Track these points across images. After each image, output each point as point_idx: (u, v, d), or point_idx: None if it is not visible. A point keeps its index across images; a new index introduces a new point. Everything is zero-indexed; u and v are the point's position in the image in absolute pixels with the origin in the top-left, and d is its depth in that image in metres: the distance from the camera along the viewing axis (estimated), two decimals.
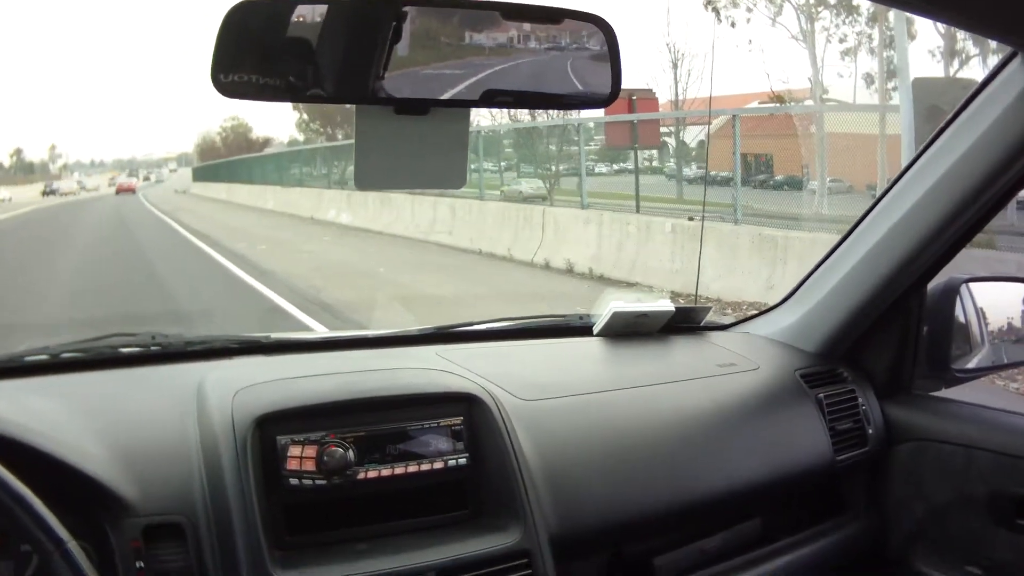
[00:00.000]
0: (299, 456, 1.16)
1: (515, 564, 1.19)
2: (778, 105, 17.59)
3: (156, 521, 1.09)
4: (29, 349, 1.42)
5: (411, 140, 1.01)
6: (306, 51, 0.91)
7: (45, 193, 59.22)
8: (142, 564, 1.06)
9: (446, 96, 0.96)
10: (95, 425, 1.18)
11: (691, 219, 9.11)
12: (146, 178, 77.59)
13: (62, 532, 0.90)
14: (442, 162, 1.04)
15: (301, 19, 0.91)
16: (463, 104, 1.00)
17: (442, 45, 0.96)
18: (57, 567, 0.89)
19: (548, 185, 13.48)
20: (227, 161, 39.48)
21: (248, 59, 0.90)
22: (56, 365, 1.39)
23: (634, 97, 11.89)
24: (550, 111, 11.05)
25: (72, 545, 0.90)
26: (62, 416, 1.20)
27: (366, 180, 1.03)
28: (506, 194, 14.40)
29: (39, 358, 1.40)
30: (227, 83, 0.89)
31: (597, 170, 12.38)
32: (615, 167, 13.25)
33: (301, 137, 47.34)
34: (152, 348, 1.45)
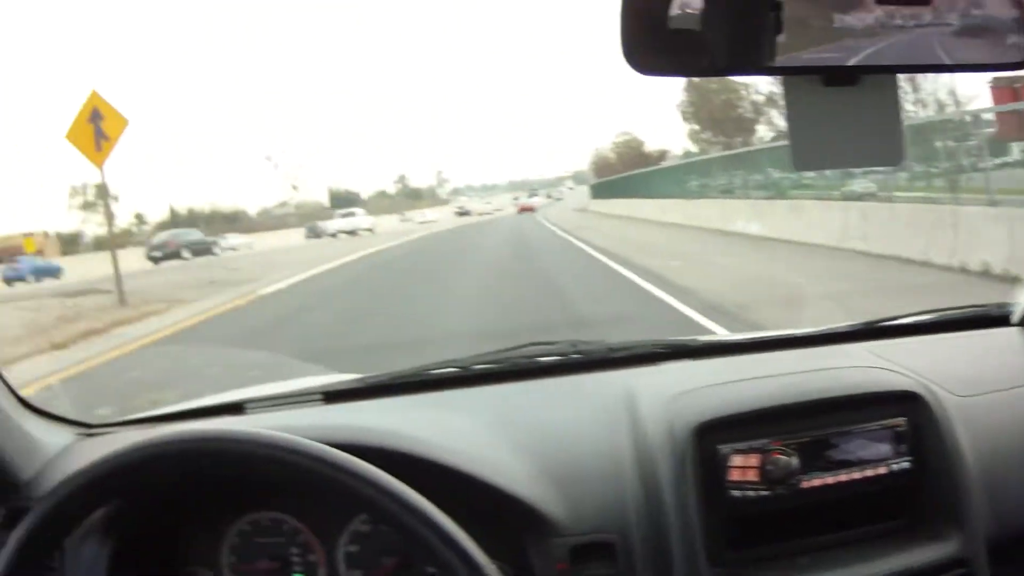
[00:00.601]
0: (742, 466, 1.09)
1: (954, 575, 1.09)
2: None
3: (585, 540, 1.03)
4: (440, 362, 1.39)
5: (843, 114, 0.90)
6: (724, 20, 0.81)
7: (459, 214, 65.40)
8: None
9: (873, 62, 0.84)
10: (516, 439, 1.14)
11: None
12: (548, 196, 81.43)
13: (479, 556, 0.81)
14: (876, 137, 0.94)
15: None
16: (895, 70, 0.89)
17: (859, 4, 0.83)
18: None
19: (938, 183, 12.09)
20: (624, 176, 39.78)
21: (657, 35, 0.82)
22: (470, 378, 1.36)
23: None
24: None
25: (491, 570, 0.81)
26: (477, 431, 1.16)
27: (803, 160, 0.93)
28: (844, 194, 13.70)
29: (450, 371, 1.37)
30: (642, 62, 0.82)
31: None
32: (997, 161, 11.48)
33: (694, 148, 47.24)
34: (572, 356, 1.39)
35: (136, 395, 6.09)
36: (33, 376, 6.98)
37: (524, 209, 55.99)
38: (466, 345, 7.50)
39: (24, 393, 1.27)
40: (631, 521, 1.05)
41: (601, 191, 46.07)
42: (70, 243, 55.08)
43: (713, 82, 42.13)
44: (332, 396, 1.36)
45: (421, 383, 1.36)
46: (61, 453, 1.27)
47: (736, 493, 1.08)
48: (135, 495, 1.05)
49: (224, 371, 6.42)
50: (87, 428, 1.39)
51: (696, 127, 46.89)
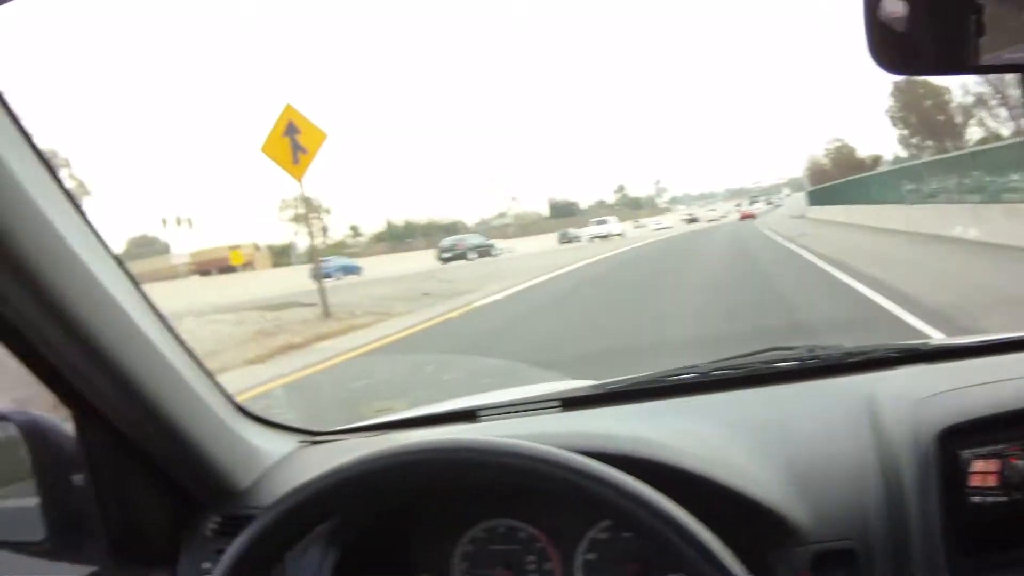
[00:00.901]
0: (982, 471, 1.05)
1: None
2: None
3: (827, 548, 1.02)
4: (678, 368, 1.39)
5: None
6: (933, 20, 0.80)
7: (688, 221, 66.06)
8: None
9: None
10: (758, 445, 1.13)
11: None
12: (768, 202, 79.69)
13: (735, 566, 0.79)
14: None
15: None
16: None
17: None
18: None
19: None
20: (840, 183, 38.63)
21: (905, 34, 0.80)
22: (707, 384, 1.35)
23: None
24: None
25: None
26: (718, 437, 1.16)
27: None
28: None
29: (688, 377, 1.37)
30: (893, 61, 0.81)
31: None
32: None
33: (904, 153, 44.71)
34: (810, 361, 1.38)
35: (360, 403, 6.34)
36: (246, 386, 7.15)
37: (746, 216, 55.81)
38: (692, 340, 7.40)
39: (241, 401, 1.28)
40: (872, 527, 1.03)
41: (817, 197, 44.83)
42: (281, 255, 54.83)
43: (920, 86, 40.38)
44: (569, 403, 1.35)
45: (659, 389, 1.35)
46: (282, 461, 1.28)
47: (976, 499, 1.05)
48: (365, 506, 1.05)
49: (456, 378, 6.42)
50: (311, 436, 1.40)
51: (905, 132, 44.37)
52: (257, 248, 55.88)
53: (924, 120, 41.93)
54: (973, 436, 1.06)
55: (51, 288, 0.92)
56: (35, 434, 1.13)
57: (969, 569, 1.02)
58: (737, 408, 1.27)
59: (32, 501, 1.12)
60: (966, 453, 1.05)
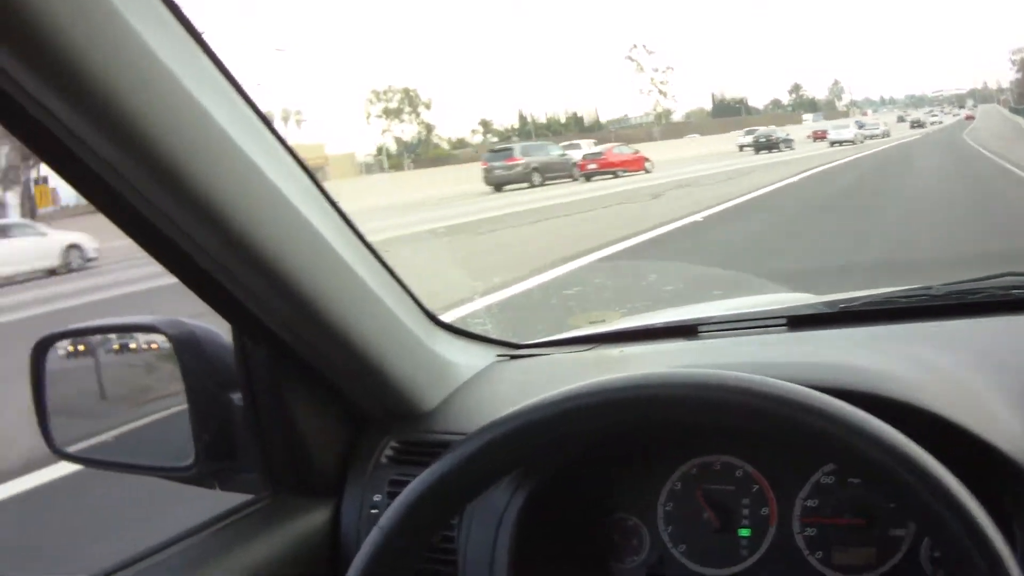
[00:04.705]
0: None
1: None
2: None
3: None
4: (911, 289, 1.26)
5: None
6: None
7: (913, 126, 70.27)
8: None
9: None
10: (1006, 384, 0.96)
11: None
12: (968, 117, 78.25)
13: (1005, 550, 0.65)
14: None
15: None
16: None
17: None
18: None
19: None
20: None
21: None
22: (946, 308, 1.20)
23: None
24: None
25: (1007, 555, 0.64)
26: (961, 373, 1.00)
27: None
28: None
29: (921, 298, 1.23)
30: None
31: None
32: None
33: None
34: None
35: (570, 313, 6.15)
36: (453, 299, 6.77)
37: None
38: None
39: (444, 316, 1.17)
40: None
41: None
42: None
43: None
44: (796, 322, 1.25)
45: (893, 311, 1.23)
46: (475, 379, 1.18)
47: None
48: (567, 443, 0.93)
49: (678, 289, 5.93)
50: (511, 349, 1.29)
51: None
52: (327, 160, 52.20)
53: None
54: None
55: (208, 183, 0.78)
56: (188, 347, 1.01)
57: None
58: (981, 339, 1.13)
59: (182, 423, 1.01)
60: None
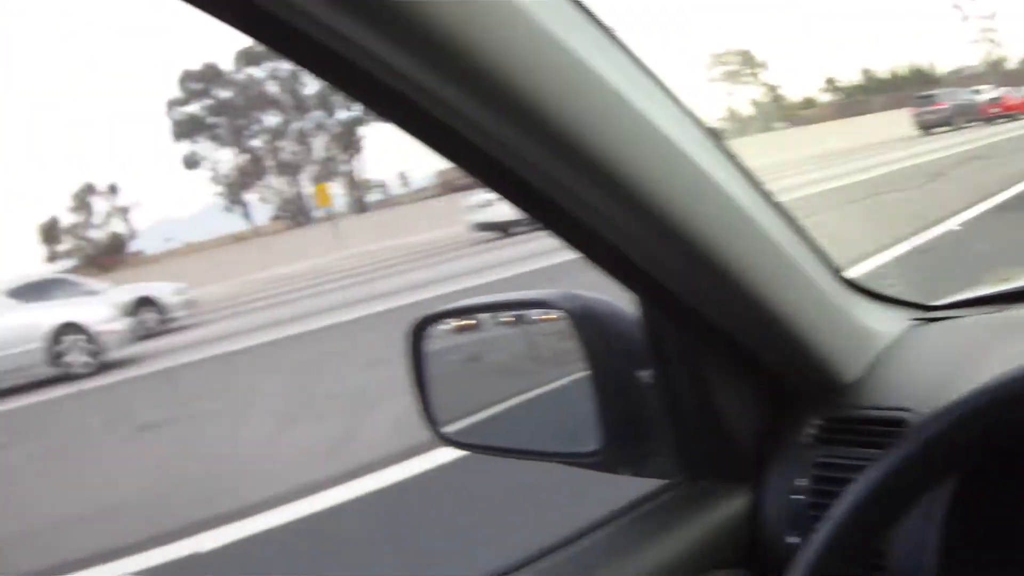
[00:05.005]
0: None
1: None
2: None
3: None
4: None
5: None
6: None
7: None
8: None
9: None
10: None
11: None
12: None
13: None
14: None
15: None
16: None
17: None
18: None
19: None
20: None
21: None
22: None
23: None
24: None
25: None
26: None
27: None
28: None
29: None
30: None
31: None
32: None
33: None
34: None
35: (980, 270, 5.42)
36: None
37: None
38: None
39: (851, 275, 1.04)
40: None
41: None
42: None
43: None
44: None
45: None
46: (894, 345, 1.05)
47: None
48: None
49: None
50: (924, 311, 1.16)
51: None
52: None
53: None
54: None
55: (616, 155, 0.74)
56: (588, 323, 0.95)
57: None
58: None
59: (584, 404, 0.95)
60: None
